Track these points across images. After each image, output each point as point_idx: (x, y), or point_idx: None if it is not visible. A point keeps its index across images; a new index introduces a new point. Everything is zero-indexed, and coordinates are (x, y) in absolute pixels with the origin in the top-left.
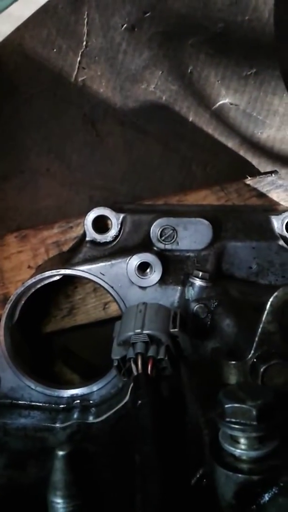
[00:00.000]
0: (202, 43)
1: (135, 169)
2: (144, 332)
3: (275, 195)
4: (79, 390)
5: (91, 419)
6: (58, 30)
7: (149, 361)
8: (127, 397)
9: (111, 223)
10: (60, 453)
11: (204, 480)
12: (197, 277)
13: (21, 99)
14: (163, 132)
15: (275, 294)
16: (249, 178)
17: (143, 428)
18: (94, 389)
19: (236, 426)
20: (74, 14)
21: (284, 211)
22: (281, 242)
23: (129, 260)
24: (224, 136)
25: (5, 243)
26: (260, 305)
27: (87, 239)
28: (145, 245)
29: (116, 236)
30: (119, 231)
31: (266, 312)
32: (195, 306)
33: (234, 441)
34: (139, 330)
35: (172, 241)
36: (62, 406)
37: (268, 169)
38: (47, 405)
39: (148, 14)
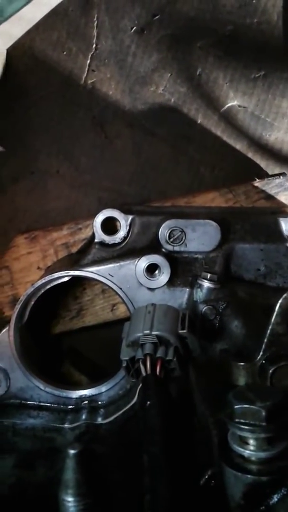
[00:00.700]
0: (211, 45)
1: (143, 171)
2: (153, 333)
3: (284, 198)
4: (88, 391)
5: (99, 420)
6: (68, 32)
7: (158, 362)
8: (135, 398)
9: (120, 224)
10: (72, 451)
11: (213, 481)
12: (206, 278)
13: (31, 101)
14: (171, 134)
15: (284, 295)
16: (257, 180)
17: (151, 428)
18: (103, 390)
19: (245, 427)
20: (84, 17)
21: None
22: None
23: (137, 261)
24: (232, 138)
25: (14, 244)
26: (269, 307)
27: (96, 240)
28: (154, 246)
29: (125, 238)
30: (128, 232)
31: (275, 313)
32: (203, 308)
33: (243, 442)
34: (148, 331)
35: (180, 243)
36: (70, 407)
37: (276, 171)
38: (55, 405)
39: (157, 17)
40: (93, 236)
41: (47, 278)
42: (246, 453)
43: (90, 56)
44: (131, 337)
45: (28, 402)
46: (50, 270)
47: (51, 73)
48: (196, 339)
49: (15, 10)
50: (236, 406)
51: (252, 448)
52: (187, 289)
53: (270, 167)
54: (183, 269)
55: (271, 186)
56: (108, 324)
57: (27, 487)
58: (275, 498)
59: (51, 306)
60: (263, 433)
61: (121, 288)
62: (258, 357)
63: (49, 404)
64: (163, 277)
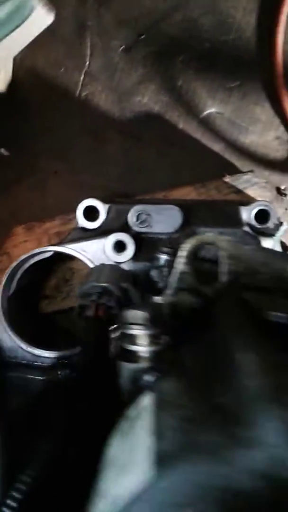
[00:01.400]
0: (191, 60)
1: (131, 171)
2: (99, 284)
3: (251, 192)
4: (64, 352)
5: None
6: (65, 52)
7: (101, 307)
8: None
9: (99, 212)
10: None
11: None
12: (162, 252)
13: (33, 112)
14: (155, 138)
15: (188, 240)
16: (228, 176)
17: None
18: (76, 351)
19: (132, 327)
20: (78, 39)
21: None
22: (247, 228)
23: (106, 239)
24: (210, 141)
25: (14, 234)
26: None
27: (79, 226)
28: (124, 228)
29: (102, 223)
30: (106, 218)
31: (179, 254)
32: (152, 271)
33: (132, 340)
34: (95, 283)
35: (146, 225)
36: (47, 364)
37: None
38: (35, 363)
39: (142, 37)
40: (77, 222)
41: (30, 252)
42: (134, 348)
43: (84, 72)
44: (82, 289)
45: (14, 360)
46: None
47: (51, 88)
48: (137, 292)
49: (4, 34)
50: (125, 312)
51: (139, 343)
52: (148, 264)
53: (245, 167)
54: (147, 247)
55: (240, 182)
56: None
57: None
58: (153, 379)
59: (45, 289)
60: (148, 330)
61: (92, 262)
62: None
63: (30, 362)
64: (128, 252)
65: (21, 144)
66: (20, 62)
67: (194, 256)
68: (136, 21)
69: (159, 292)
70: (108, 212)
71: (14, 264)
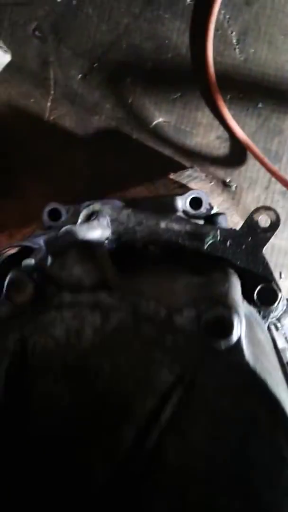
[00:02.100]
0: (137, 80)
1: (94, 181)
2: None
3: (193, 185)
4: None
5: None
6: (33, 85)
7: None
8: None
9: (62, 213)
10: None
11: None
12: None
13: (9, 136)
14: (114, 150)
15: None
16: (172, 173)
17: None
18: None
19: None
20: (43, 73)
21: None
22: (180, 213)
23: (58, 231)
24: (161, 147)
25: None
26: None
27: (45, 226)
28: (75, 223)
29: (63, 222)
30: (66, 218)
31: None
32: None
33: None
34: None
35: (94, 217)
36: None
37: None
38: None
39: (96, 65)
40: (43, 223)
41: None
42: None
43: (50, 99)
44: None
45: None
46: None
47: (24, 116)
48: None
49: None
50: None
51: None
52: None
53: (193, 166)
54: None
55: (183, 177)
56: None
57: None
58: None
59: None
60: None
61: None
62: None
63: None
64: None
65: (1, 164)
66: None
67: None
68: (89, 53)
69: None
70: (67, 212)
71: None
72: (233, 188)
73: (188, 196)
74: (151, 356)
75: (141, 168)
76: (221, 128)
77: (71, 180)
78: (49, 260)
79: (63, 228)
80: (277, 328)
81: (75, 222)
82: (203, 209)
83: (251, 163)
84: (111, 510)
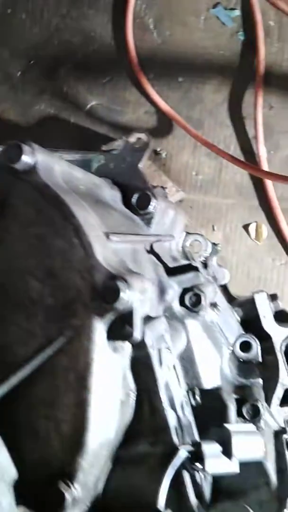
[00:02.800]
0: (70, 70)
1: None
2: None
3: None
4: None
5: None
6: None
7: None
8: None
9: None
10: None
11: None
12: None
13: None
14: (55, 135)
15: None
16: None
17: None
18: None
19: None
20: None
21: None
22: None
23: None
24: (97, 126)
25: None
26: None
27: None
28: None
29: None
30: None
31: None
32: None
33: None
34: None
35: None
36: None
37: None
38: None
39: (32, 62)
40: None
41: None
42: None
43: None
44: None
45: None
46: None
47: None
48: None
49: None
50: None
51: None
52: None
53: None
54: None
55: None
56: None
57: None
58: None
59: None
60: None
61: None
62: None
63: None
64: None
65: None
66: None
67: None
68: (26, 52)
69: None
70: None
71: None
72: (163, 155)
73: None
74: None
75: (80, 147)
76: (148, 104)
77: None
78: None
79: None
80: None
81: None
82: None
83: (177, 132)
84: None
